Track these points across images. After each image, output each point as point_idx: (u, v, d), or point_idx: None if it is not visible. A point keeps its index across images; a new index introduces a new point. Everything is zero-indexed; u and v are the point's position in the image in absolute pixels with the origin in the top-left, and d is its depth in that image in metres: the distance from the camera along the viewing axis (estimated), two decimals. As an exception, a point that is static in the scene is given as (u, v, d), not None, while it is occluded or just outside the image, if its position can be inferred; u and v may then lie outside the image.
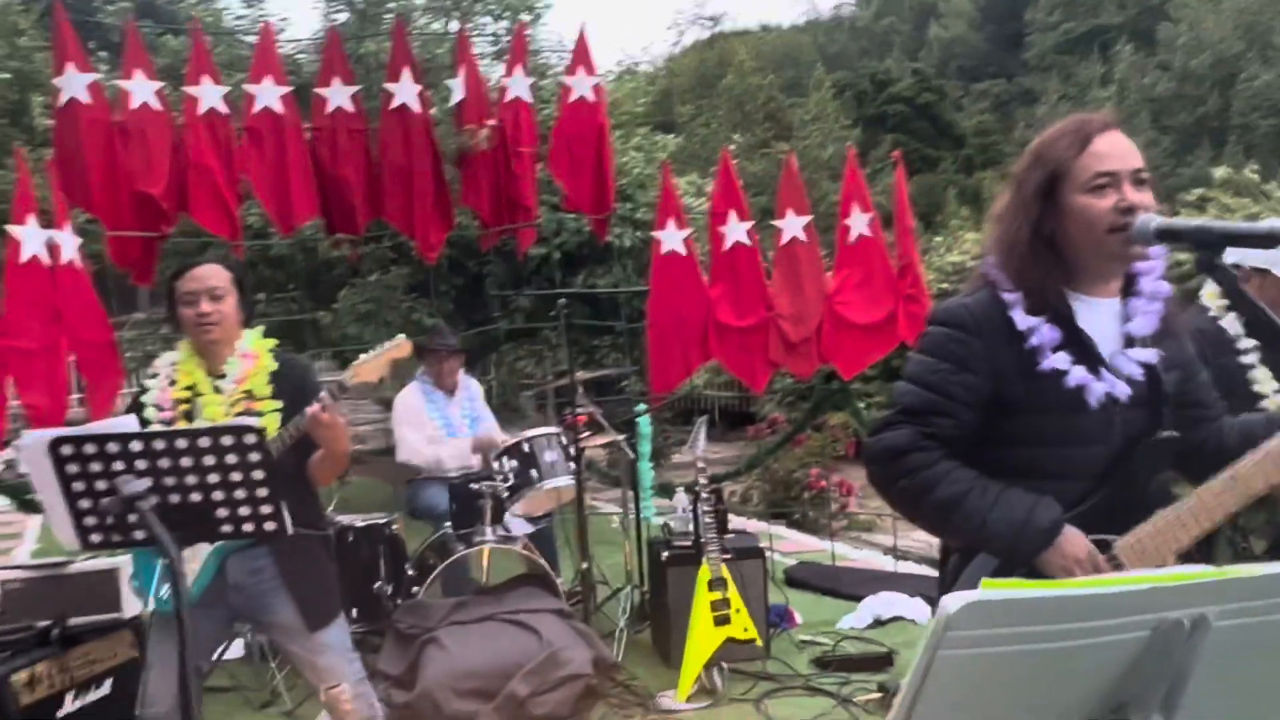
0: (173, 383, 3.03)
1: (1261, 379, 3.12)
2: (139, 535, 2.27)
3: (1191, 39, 32.95)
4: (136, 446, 2.35)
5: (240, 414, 2.96)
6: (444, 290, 7.98)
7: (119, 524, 2.14)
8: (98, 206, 4.96)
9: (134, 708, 3.45)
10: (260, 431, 2.42)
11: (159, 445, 2.36)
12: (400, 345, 3.06)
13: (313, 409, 2.83)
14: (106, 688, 3.46)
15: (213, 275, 3.00)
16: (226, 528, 2.52)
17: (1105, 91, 33.96)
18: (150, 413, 2.99)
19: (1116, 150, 1.90)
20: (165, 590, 2.89)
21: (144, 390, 3.06)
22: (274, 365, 3.05)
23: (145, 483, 1.96)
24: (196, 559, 2.95)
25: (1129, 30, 38.79)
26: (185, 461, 2.40)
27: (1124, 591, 1.11)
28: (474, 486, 4.80)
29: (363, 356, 3.03)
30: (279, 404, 2.99)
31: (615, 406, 7.82)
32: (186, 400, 3.00)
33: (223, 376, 3.01)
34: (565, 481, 5.08)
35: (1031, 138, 2.07)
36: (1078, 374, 1.92)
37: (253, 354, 3.05)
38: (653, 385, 5.69)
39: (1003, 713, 1.17)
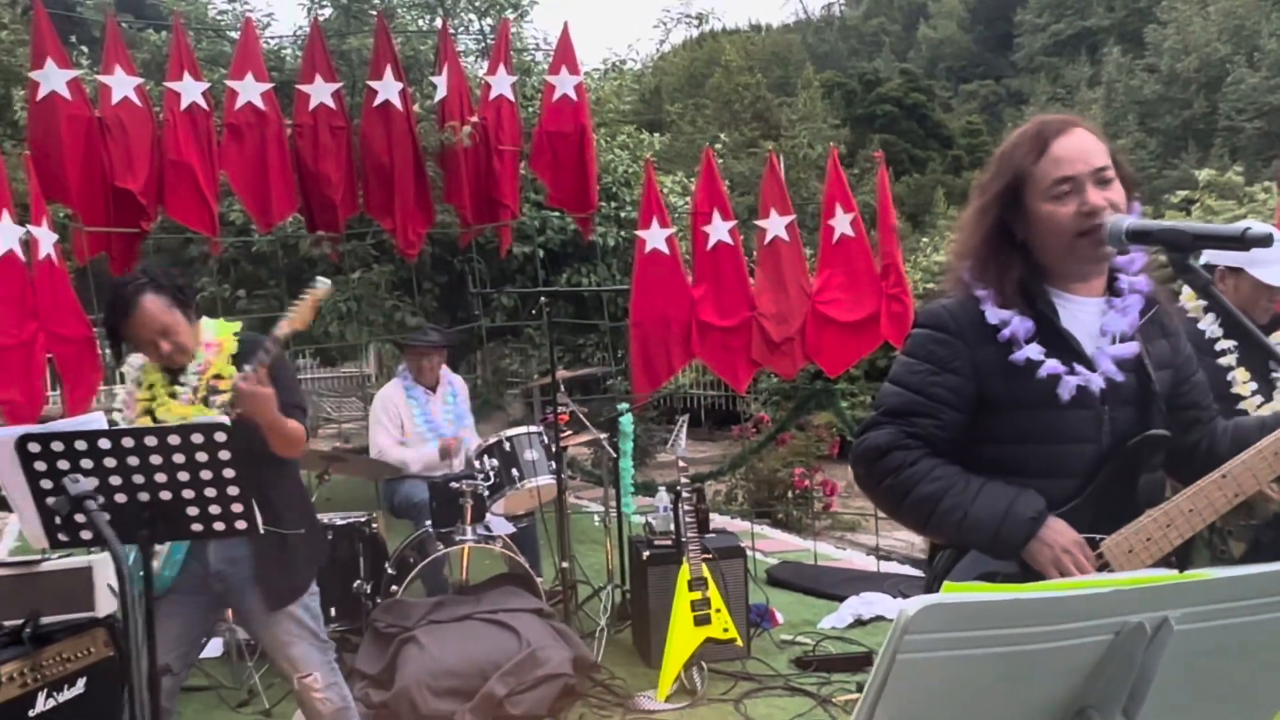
0: (138, 383, 3.05)
1: (1239, 380, 3.13)
2: (86, 535, 2.24)
3: (1179, 42, 33.03)
4: (105, 444, 2.34)
5: (205, 397, 2.95)
6: (427, 288, 7.95)
7: (67, 523, 2.12)
8: (76, 202, 4.93)
9: (107, 706, 3.43)
10: (230, 430, 2.41)
11: (127, 443, 2.35)
12: (321, 288, 2.95)
13: (235, 377, 2.81)
14: (80, 687, 3.42)
15: (156, 314, 2.89)
16: (197, 525, 2.50)
17: (1093, 93, 34.07)
18: (115, 416, 3.03)
19: (1075, 153, 1.88)
20: (156, 569, 2.88)
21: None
22: (235, 348, 3.05)
23: (92, 482, 1.93)
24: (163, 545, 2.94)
25: (1117, 32, 38.95)
26: (154, 459, 2.38)
27: (1085, 595, 1.10)
28: (454, 485, 4.79)
29: (288, 311, 2.92)
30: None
31: (600, 405, 7.82)
32: (148, 399, 3.01)
33: (184, 371, 3.01)
34: (545, 480, 5.08)
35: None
36: (1051, 365, 1.91)
37: (216, 343, 3.05)
38: (635, 384, 5.68)
39: (963, 716, 1.16)
